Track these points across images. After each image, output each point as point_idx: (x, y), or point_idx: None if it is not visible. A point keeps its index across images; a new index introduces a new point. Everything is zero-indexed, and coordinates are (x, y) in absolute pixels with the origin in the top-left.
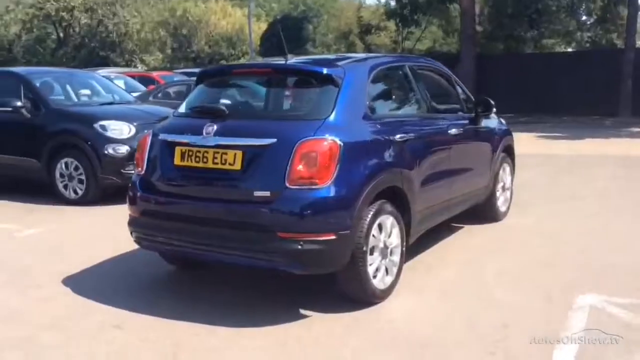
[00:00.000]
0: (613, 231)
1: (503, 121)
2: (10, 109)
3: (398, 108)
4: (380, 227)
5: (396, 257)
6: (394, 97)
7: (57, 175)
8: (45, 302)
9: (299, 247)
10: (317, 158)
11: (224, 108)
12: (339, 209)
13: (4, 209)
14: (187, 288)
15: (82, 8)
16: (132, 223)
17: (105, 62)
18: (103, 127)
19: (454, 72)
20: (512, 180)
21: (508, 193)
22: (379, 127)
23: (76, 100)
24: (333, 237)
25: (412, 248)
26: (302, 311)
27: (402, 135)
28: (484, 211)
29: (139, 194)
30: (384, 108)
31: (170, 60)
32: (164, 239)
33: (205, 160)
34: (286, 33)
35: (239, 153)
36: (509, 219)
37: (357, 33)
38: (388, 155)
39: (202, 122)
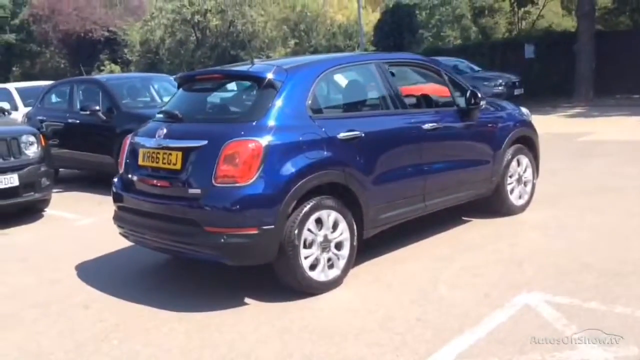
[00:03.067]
0: (627, 229)
1: (525, 110)
2: (88, 112)
3: (352, 107)
4: (320, 221)
5: (345, 251)
6: (347, 96)
7: None
8: (49, 283)
9: (222, 240)
10: (239, 158)
11: (177, 112)
12: (262, 205)
13: (78, 200)
14: (169, 275)
15: (214, 11)
16: (115, 217)
17: (235, 60)
18: None
19: (571, 51)
20: (533, 173)
21: (529, 186)
22: (321, 127)
23: (158, 101)
24: (255, 231)
25: (394, 240)
26: (246, 299)
27: (349, 133)
28: (493, 205)
29: (117, 190)
30: (333, 108)
31: (293, 55)
32: (135, 232)
33: (157, 160)
34: (399, 22)
35: (179, 154)
36: (526, 213)
37: (470, 17)
38: (327, 154)
39: (161, 125)
